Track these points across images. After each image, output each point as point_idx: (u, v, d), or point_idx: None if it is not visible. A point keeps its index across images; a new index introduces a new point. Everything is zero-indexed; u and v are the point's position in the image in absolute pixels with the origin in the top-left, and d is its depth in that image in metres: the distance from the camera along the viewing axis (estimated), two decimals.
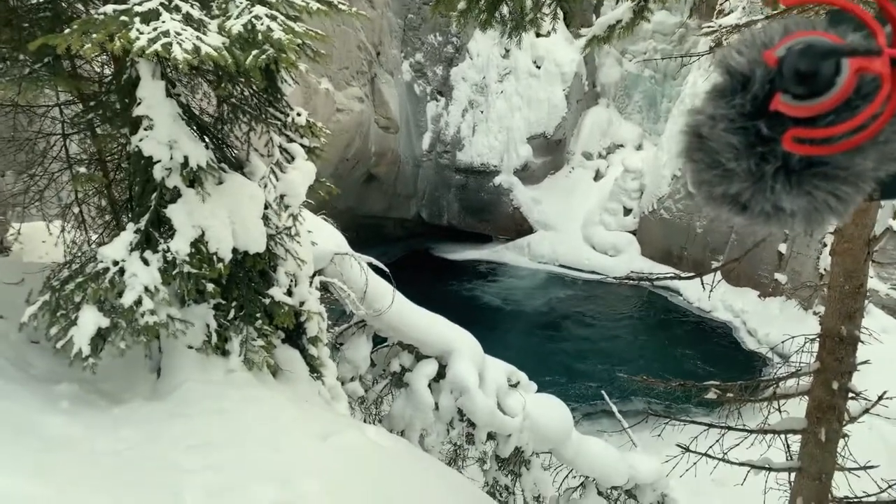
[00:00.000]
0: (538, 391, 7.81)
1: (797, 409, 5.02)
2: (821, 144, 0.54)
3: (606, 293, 18.39)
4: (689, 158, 0.62)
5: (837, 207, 0.57)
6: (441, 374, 6.99)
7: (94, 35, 2.90)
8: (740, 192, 0.59)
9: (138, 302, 3.53)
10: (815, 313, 14.37)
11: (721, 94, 0.59)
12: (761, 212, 0.59)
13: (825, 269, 14.08)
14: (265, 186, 4.45)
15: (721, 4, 16.91)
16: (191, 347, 3.99)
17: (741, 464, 5.11)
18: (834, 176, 0.55)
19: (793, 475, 5.17)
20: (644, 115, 23.54)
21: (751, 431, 5.01)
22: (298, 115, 4.55)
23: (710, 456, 5.17)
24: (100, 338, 3.50)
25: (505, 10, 2.91)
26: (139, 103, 3.67)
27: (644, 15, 3.13)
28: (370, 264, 6.63)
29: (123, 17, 3.04)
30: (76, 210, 4.24)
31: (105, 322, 3.48)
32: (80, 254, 4.11)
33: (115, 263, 3.56)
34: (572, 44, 20.99)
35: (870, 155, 0.55)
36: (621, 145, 22.88)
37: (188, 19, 3.21)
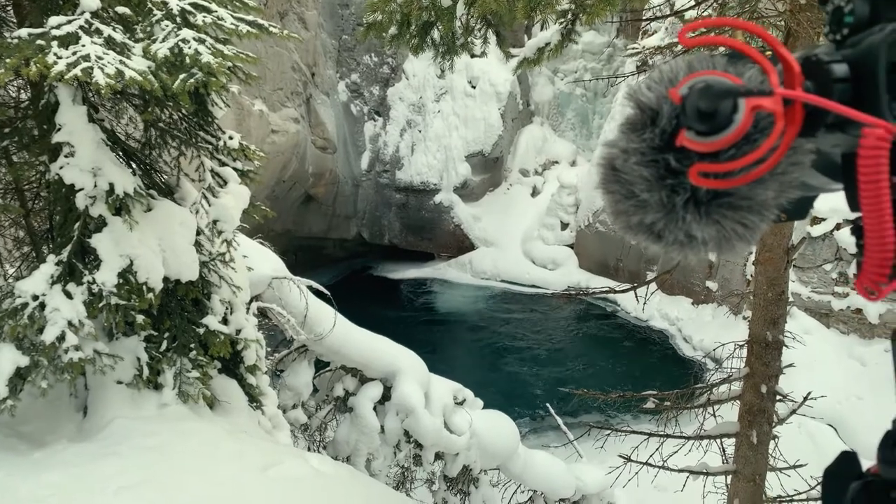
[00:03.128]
0: (484, 407, 7.83)
1: (730, 413, 5.22)
2: (724, 178, 0.57)
3: (548, 306, 18.68)
4: (606, 190, 0.65)
5: (745, 234, 0.61)
6: (386, 396, 6.92)
7: (8, 60, 2.77)
8: (654, 221, 0.62)
9: (61, 338, 3.35)
10: (744, 318, 15.02)
11: (632, 127, 0.62)
12: (675, 240, 0.62)
13: (751, 276, 14.79)
14: (197, 212, 4.32)
15: (645, 26, 17.65)
16: (120, 383, 3.81)
17: (680, 470, 5.25)
18: (739, 206, 0.59)
19: (729, 478, 5.36)
20: (577, 132, 24.21)
21: (688, 438, 5.17)
22: (231, 138, 4.46)
23: (650, 465, 5.30)
24: (19, 378, 3.30)
25: (436, 34, 2.95)
26: (59, 129, 3.51)
27: (571, 37, 3.23)
28: (310, 287, 6.52)
29: (40, 41, 2.92)
30: None
31: (24, 361, 3.29)
32: None
33: (35, 298, 3.37)
34: (506, 64, 21.44)
35: (770, 185, 0.59)
36: (556, 162, 23.43)
37: (110, 43, 3.10)
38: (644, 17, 5.01)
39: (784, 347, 4.67)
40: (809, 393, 4.99)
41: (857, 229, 0.62)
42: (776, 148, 0.55)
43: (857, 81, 0.60)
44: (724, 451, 5.23)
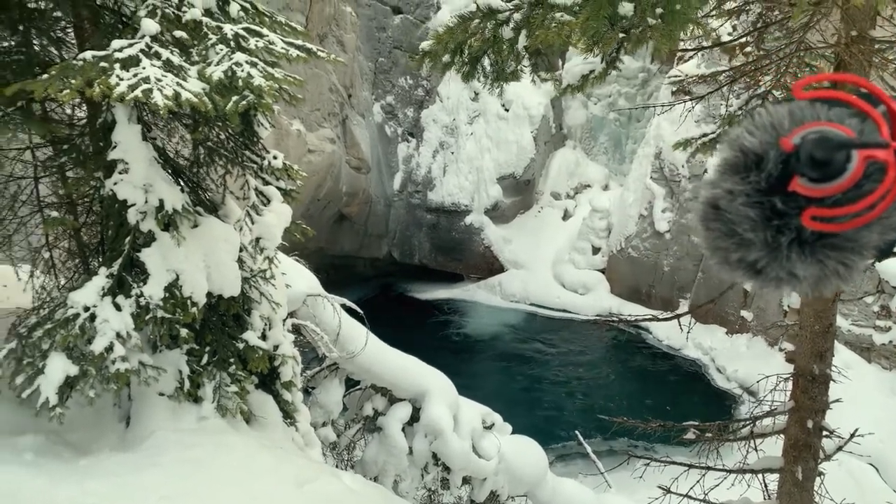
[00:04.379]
0: (512, 432, 7.75)
1: (774, 448, 5.07)
2: (835, 222, 0.59)
3: (578, 331, 18.47)
4: (706, 227, 0.67)
5: (845, 274, 0.62)
6: (415, 417, 6.90)
7: (73, 81, 2.89)
8: (757, 259, 0.63)
9: (109, 348, 3.44)
10: (780, 349, 14.65)
11: (734, 169, 0.64)
12: (775, 277, 0.64)
13: (789, 306, 14.41)
14: (240, 229, 4.42)
15: (680, 52, 17.58)
16: (162, 395, 3.88)
17: None
18: (843, 247, 0.61)
19: None
20: (610, 156, 24.12)
21: (730, 471, 5.03)
22: (275, 157, 4.56)
23: (691, 497, 5.17)
24: (67, 386, 3.39)
25: (487, 62, 3.00)
26: (114, 147, 3.64)
27: (615, 65, 3.25)
28: (343, 305, 6.57)
29: (103, 63, 3.04)
30: (46, 254, 4.14)
31: (74, 370, 3.37)
32: (49, 299, 4.00)
33: (86, 309, 3.47)
34: (539, 87, 21.54)
35: (874, 228, 0.61)
36: (588, 185, 23.34)
37: (168, 65, 3.22)
38: (688, 49, 5.02)
39: (831, 382, 4.54)
40: (857, 430, 4.83)
41: None
42: (887, 195, 0.58)
43: None
44: (766, 486, 5.08)
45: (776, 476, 4.92)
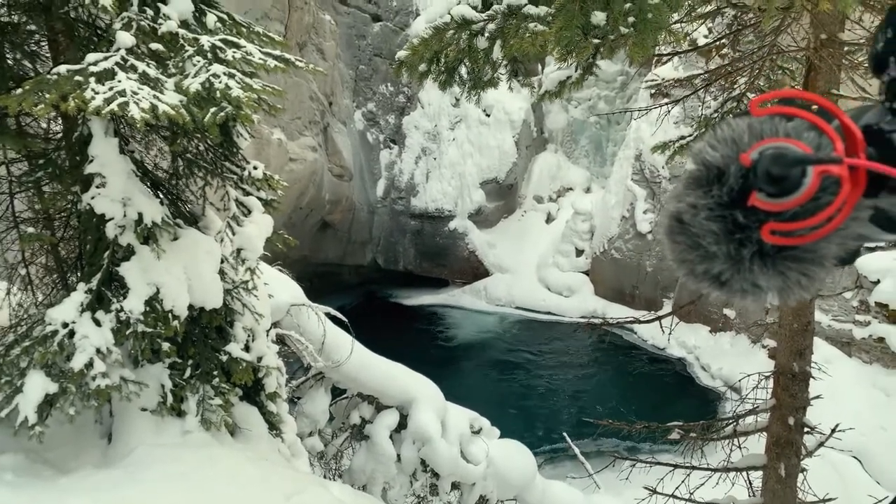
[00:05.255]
0: (501, 436, 7.76)
1: (757, 445, 5.12)
2: (794, 235, 0.60)
3: (563, 333, 18.55)
4: (672, 240, 0.68)
5: (807, 284, 0.64)
6: (402, 424, 6.89)
7: (48, 95, 2.86)
8: (721, 272, 0.65)
9: (89, 365, 3.40)
10: (763, 346, 14.82)
11: (697, 183, 0.65)
12: (739, 289, 0.66)
13: (771, 304, 14.58)
14: (221, 241, 4.39)
15: (656, 56, 17.76)
16: (144, 410, 3.84)
17: (707, 503, 5.15)
18: (803, 258, 0.63)
19: None
20: (591, 159, 24.30)
21: (714, 470, 5.08)
22: (255, 168, 4.54)
23: (676, 497, 5.21)
24: (47, 404, 3.34)
25: (463, 71, 3.03)
26: (91, 161, 3.61)
27: (592, 71, 3.29)
28: (328, 314, 6.55)
29: (78, 77, 3.02)
30: (23, 271, 4.08)
31: (53, 387, 3.33)
32: (26, 316, 3.94)
33: (65, 325, 3.43)
34: (519, 92, 21.67)
35: (833, 239, 0.62)
36: (570, 188, 23.49)
37: (145, 78, 3.20)
38: (664, 53, 5.08)
39: (811, 378, 4.61)
40: (837, 425, 4.90)
41: None
42: (843, 208, 0.59)
43: None
44: (750, 484, 5.13)
45: (760, 473, 4.98)
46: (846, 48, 3.98)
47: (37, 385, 3.28)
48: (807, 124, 0.64)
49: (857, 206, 0.63)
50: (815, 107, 0.66)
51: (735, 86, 5.28)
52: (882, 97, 0.72)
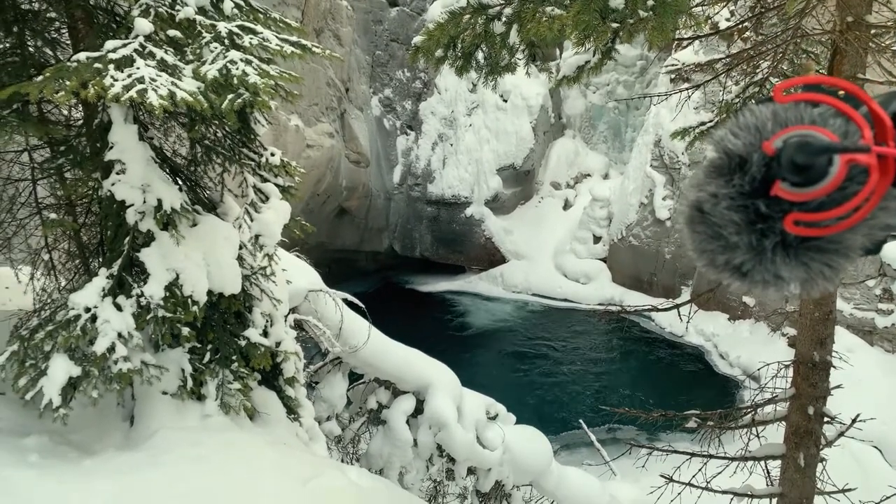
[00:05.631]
0: (517, 422, 7.78)
1: (775, 434, 5.07)
2: (819, 226, 0.59)
3: (580, 320, 18.51)
4: (692, 230, 0.67)
5: (830, 275, 0.62)
6: (419, 409, 6.93)
7: (68, 82, 2.89)
8: (743, 262, 0.64)
9: (111, 349, 3.45)
10: (783, 335, 14.66)
11: (719, 171, 0.64)
12: (761, 280, 0.64)
13: (792, 294, 14.40)
14: (240, 227, 4.42)
15: (677, 40, 17.48)
16: (165, 393, 3.90)
17: (724, 492, 5.12)
18: (827, 249, 0.61)
19: (775, 501, 5.20)
20: (609, 144, 24.07)
21: (732, 459, 5.05)
22: (272, 154, 4.56)
23: (693, 485, 5.19)
24: (70, 387, 3.40)
25: (480, 56, 3.00)
26: (111, 147, 3.64)
27: (611, 55, 3.24)
28: (345, 300, 6.58)
29: (97, 65, 3.04)
30: (46, 256, 4.15)
31: (76, 371, 3.39)
32: (50, 301, 4.01)
33: (87, 310, 3.49)
34: (537, 77, 21.48)
35: (860, 230, 0.60)
36: (588, 175, 23.31)
37: (163, 65, 3.22)
38: (685, 37, 4.99)
39: (832, 368, 4.54)
40: (858, 415, 4.83)
41: None
42: (871, 198, 0.57)
43: None
44: (768, 473, 5.09)
45: (778, 463, 4.94)
46: (873, 31, 3.87)
47: (61, 368, 3.34)
48: (833, 111, 0.61)
49: (886, 195, 0.61)
50: (841, 93, 0.64)
51: (757, 70, 5.18)
52: None
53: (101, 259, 4.05)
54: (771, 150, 0.60)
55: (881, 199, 0.60)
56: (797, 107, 0.63)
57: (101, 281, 3.59)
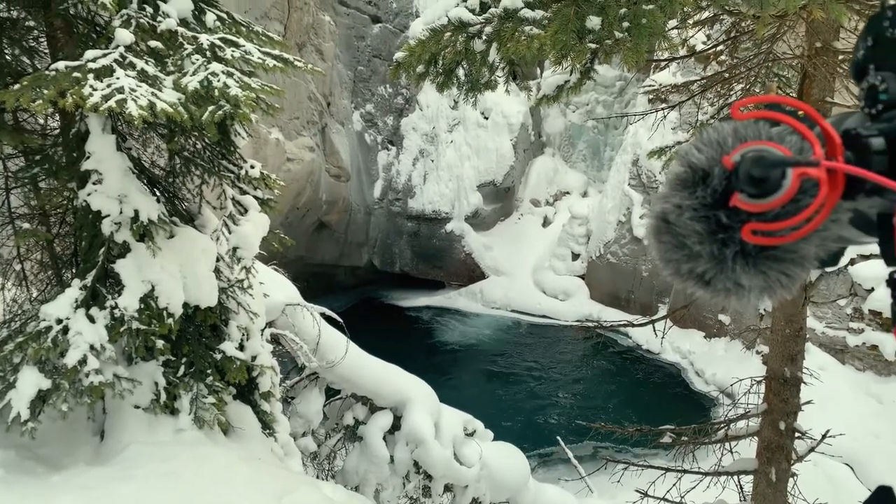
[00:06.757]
0: (494, 439, 7.77)
1: (748, 450, 5.15)
2: (774, 235, 0.62)
3: (558, 336, 18.57)
4: (658, 240, 0.70)
5: (787, 284, 0.66)
6: (396, 425, 6.89)
7: (46, 91, 2.87)
8: (705, 271, 0.67)
9: (83, 361, 3.40)
10: (757, 352, 14.86)
11: (683, 184, 0.67)
12: (723, 288, 0.68)
13: (765, 310, 14.64)
14: (217, 239, 4.40)
15: (654, 62, 17.81)
16: (137, 407, 3.84)
17: None
18: (783, 258, 0.65)
19: None
20: (588, 163, 24.35)
21: (706, 474, 5.10)
22: (252, 167, 4.55)
23: (667, 500, 5.23)
24: (40, 400, 3.34)
25: (461, 72, 3.05)
26: (88, 157, 3.61)
27: (590, 75, 3.31)
28: (323, 314, 6.55)
29: (76, 74, 3.02)
30: (17, 266, 4.08)
31: (46, 383, 3.33)
32: (20, 312, 3.94)
33: (59, 321, 3.43)
34: (518, 96, 21.70)
35: (812, 240, 0.64)
36: (567, 192, 23.53)
37: (143, 76, 3.21)
38: (661, 59, 5.11)
39: (802, 384, 4.63)
40: (828, 430, 4.92)
41: (893, 282, 0.68)
42: (821, 210, 0.61)
43: (893, 153, 0.66)
44: (741, 488, 5.16)
45: (751, 478, 5.00)
46: (840, 57, 4.02)
47: (30, 381, 3.28)
48: (790, 129, 0.66)
49: (836, 208, 0.65)
50: (801, 113, 0.68)
51: (731, 92, 5.32)
52: (861, 103, 0.75)
53: (74, 270, 3.99)
54: (730, 164, 0.64)
55: (832, 212, 0.64)
56: (756, 124, 0.67)
57: (73, 292, 3.54)
